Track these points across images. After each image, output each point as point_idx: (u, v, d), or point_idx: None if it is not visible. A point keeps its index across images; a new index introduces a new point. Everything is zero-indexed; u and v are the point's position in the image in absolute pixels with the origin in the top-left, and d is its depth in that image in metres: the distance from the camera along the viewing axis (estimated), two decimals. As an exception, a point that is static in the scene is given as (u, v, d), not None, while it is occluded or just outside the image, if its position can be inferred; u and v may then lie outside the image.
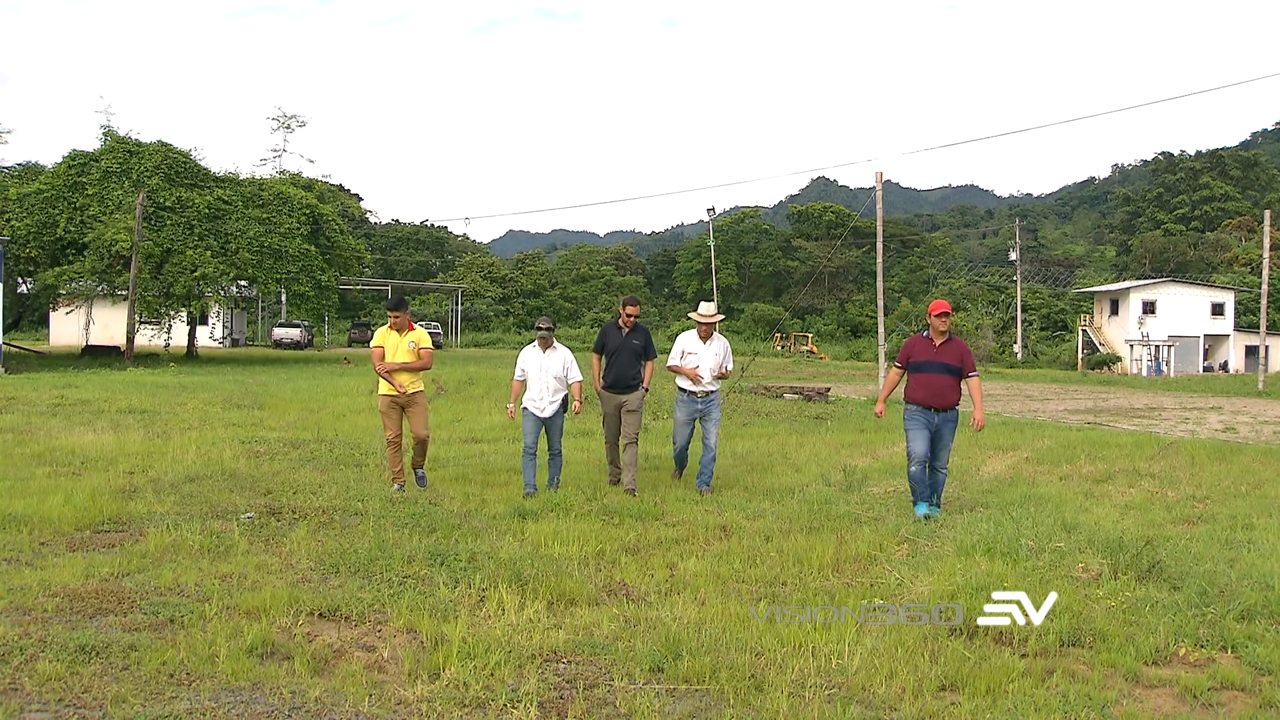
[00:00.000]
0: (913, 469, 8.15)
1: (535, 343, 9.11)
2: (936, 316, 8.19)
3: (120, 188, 32.89)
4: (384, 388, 9.02)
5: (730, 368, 9.54)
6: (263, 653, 4.56)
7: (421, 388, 9.19)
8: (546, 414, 8.95)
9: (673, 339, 10.55)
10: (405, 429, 9.13)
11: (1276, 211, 40.01)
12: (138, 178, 33.35)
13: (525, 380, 9.02)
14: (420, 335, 9.15)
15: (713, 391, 9.33)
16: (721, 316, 9.52)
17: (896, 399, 8.93)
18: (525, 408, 8.98)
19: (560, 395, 9.00)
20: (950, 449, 8.33)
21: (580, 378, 9.14)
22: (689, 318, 9.57)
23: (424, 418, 9.10)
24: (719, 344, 9.35)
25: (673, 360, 9.40)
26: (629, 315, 9.27)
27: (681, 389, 9.41)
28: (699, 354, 9.24)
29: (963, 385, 8.27)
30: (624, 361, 9.24)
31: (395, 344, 9.02)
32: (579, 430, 14.40)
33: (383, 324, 9.21)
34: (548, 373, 8.93)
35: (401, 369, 8.96)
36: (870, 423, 16.55)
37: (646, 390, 9.40)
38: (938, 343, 8.16)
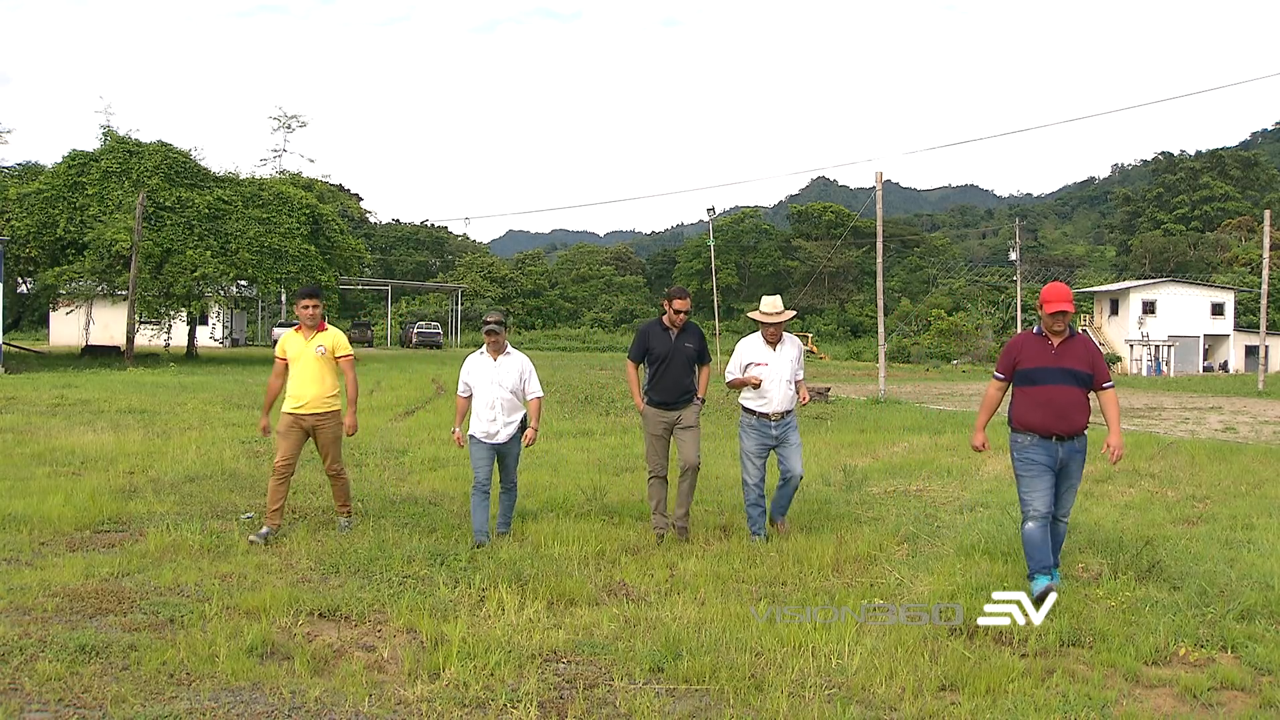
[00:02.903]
0: (1029, 526, 5.73)
1: (483, 348, 7.28)
2: (1052, 315, 5.76)
3: (120, 188, 32.87)
4: (285, 403, 7.15)
5: (802, 377, 7.59)
6: (263, 653, 4.56)
7: (336, 408, 7.22)
8: (500, 439, 7.13)
9: None
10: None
11: (1276, 211, 39.99)
12: (138, 178, 33.33)
13: (471, 396, 7.26)
14: (334, 338, 7.24)
15: (789, 411, 7.36)
16: (792, 314, 7.49)
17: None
18: (473, 435, 7.17)
19: (518, 415, 7.20)
20: (1077, 490, 6.02)
21: (541, 393, 7.35)
22: (750, 317, 7.74)
23: (336, 448, 7.22)
24: (791, 348, 7.42)
25: (732, 372, 7.43)
26: (678, 312, 7.30)
27: (747, 410, 7.38)
28: (769, 363, 7.29)
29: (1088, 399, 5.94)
30: (676, 370, 7.29)
31: (299, 351, 7.13)
32: (579, 430, 14.39)
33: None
34: (501, 386, 7.11)
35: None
36: (870, 422, 16.54)
37: (703, 401, 7.53)
38: (1056, 343, 5.85)
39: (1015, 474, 5.94)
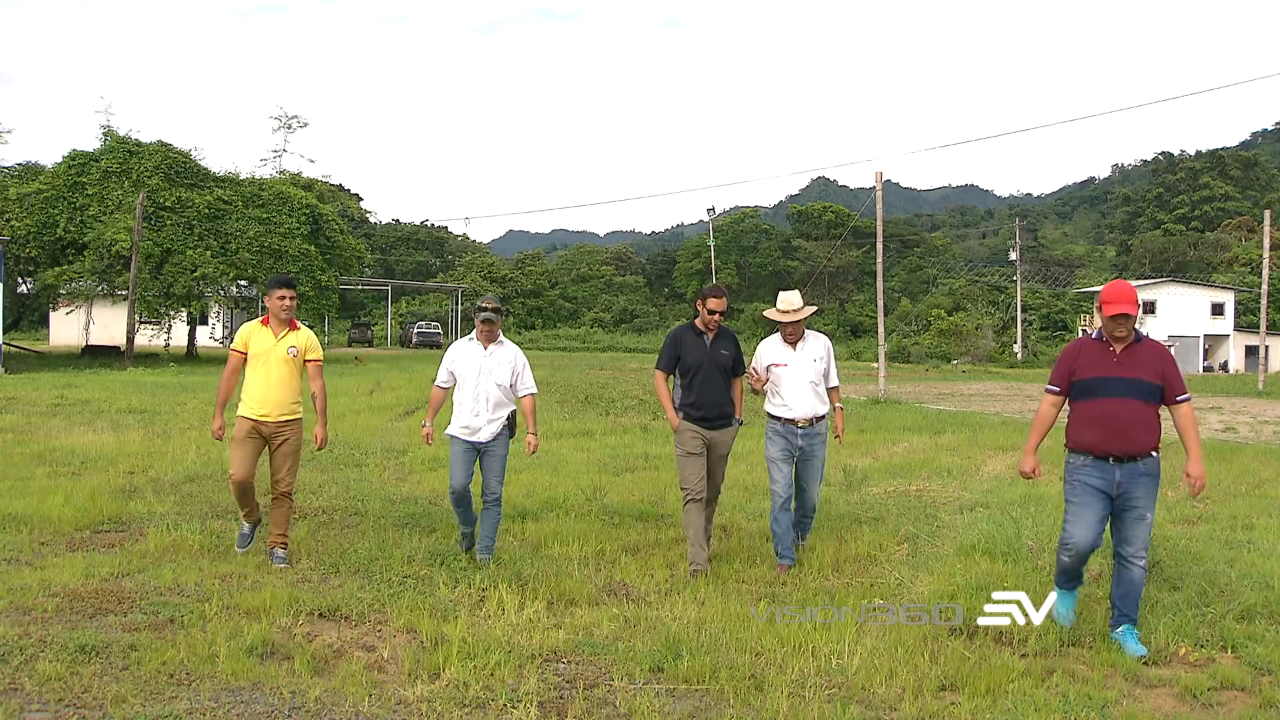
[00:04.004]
0: (1064, 558, 5.12)
1: (472, 334, 6.50)
2: (1113, 319, 4.96)
3: (120, 188, 32.86)
4: (244, 406, 6.27)
5: (837, 382, 6.84)
6: (263, 653, 4.57)
7: (298, 415, 6.36)
8: (482, 438, 6.33)
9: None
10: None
11: (1276, 211, 39.96)
12: (138, 178, 33.33)
13: (452, 388, 6.47)
14: (307, 339, 6.41)
15: (817, 419, 6.63)
16: (813, 309, 6.86)
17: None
18: (452, 435, 6.40)
19: (503, 413, 6.39)
20: (1150, 523, 5.01)
21: (535, 389, 6.57)
22: (765, 316, 7.04)
23: (293, 463, 6.34)
24: (816, 347, 6.73)
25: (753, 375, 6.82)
26: (711, 312, 6.48)
27: (773, 416, 6.67)
28: (788, 364, 6.62)
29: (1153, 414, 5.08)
30: (713, 381, 6.47)
31: (265, 349, 6.28)
32: (579, 430, 14.38)
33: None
34: (489, 378, 6.33)
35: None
36: (870, 422, 16.54)
37: (741, 423, 6.78)
38: (1118, 349, 5.05)
39: (1065, 499, 5.17)
